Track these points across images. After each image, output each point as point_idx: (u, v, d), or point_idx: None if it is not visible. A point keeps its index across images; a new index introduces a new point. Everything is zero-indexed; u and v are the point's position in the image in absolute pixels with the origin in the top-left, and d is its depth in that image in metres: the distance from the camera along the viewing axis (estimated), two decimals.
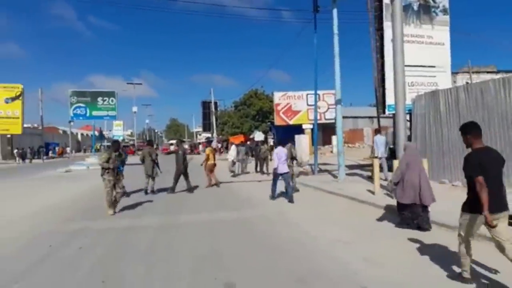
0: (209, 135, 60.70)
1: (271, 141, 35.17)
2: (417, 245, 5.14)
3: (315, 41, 14.72)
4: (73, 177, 18.09)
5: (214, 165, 12.73)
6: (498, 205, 3.48)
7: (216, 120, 51.81)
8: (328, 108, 30.74)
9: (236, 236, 6.00)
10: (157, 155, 11.90)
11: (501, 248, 3.52)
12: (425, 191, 5.91)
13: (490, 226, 3.37)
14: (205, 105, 60.11)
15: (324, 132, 32.19)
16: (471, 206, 3.57)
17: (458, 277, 3.81)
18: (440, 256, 4.58)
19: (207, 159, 12.61)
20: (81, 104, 23.48)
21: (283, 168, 9.27)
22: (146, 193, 11.00)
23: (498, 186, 3.56)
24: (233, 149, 17.44)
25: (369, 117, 38.53)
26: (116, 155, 8.14)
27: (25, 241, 5.98)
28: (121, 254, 5.17)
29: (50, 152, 46.40)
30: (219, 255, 4.98)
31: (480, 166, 3.47)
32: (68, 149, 51.99)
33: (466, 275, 3.74)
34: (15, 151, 36.51)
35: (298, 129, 28.47)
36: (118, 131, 75.82)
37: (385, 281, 3.92)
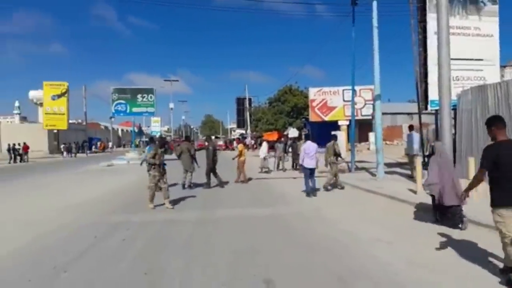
0: (243, 131, 61.08)
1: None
2: (457, 245, 4.90)
3: (352, 34, 14.35)
4: (114, 171, 18.85)
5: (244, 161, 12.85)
6: None
7: (250, 116, 52.04)
8: (365, 104, 29.83)
9: (272, 232, 5.98)
10: (195, 150, 12.21)
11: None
12: (449, 192, 5.85)
13: None
14: (240, 101, 60.48)
15: (360, 129, 31.43)
16: (501, 199, 3.51)
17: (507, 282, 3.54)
18: (480, 256, 4.36)
19: (240, 154, 12.76)
20: (121, 101, 24.40)
21: (311, 163, 9.38)
22: (184, 187, 11.26)
23: None
24: (264, 146, 17.45)
25: (408, 114, 37.17)
26: (162, 151, 8.26)
27: (72, 231, 6.30)
28: (161, 247, 5.31)
29: (93, 147, 48.64)
30: (256, 251, 4.98)
31: (497, 157, 3.50)
32: (110, 144, 54.35)
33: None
34: (62, 145, 38.60)
35: (334, 126, 27.91)
36: (155, 127, 78.18)
37: (426, 282, 3.76)
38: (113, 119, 57.16)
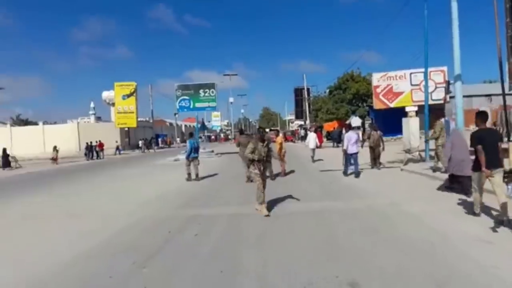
0: (301, 122, 60.27)
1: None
2: None
3: (425, 10, 13.10)
4: (180, 165, 19.51)
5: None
6: (494, 164, 5.30)
7: (309, 106, 51.05)
8: (436, 88, 27.65)
9: (350, 228, 5.57)
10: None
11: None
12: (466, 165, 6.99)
13: (489, 177, 5.28)
14: (297, 92, 59.56)
15: (431, 115, 29.12)
16: (475, 166, 5.54)
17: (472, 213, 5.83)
18: None
19: (280, 147, 12.50)
20: (185, 97, 25.16)
21: (353, 149, 11.18)
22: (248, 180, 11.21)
23: (494, 152, 5.33)
24: (310, 137, 17.45)
25: (486, 95, 33.74)
26: (263, 145, 7.06)
27: (147, 226, 6.44)
28: (235, 242, 5.18)
29: (160, 143, 51.28)
30: (335, 249, 4.64)
31: (479, 138, 5.34)
32: (178, 139, 57.00)
33: (477, 211, 5.77)
34: (140, 141, 41.54)
35: (400, 112, 26.20)
36: (216, 121, 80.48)
37: None
38: (177, 116, 59.74)
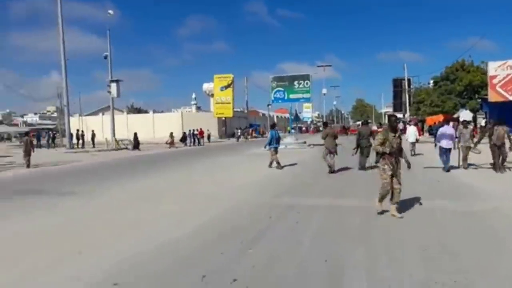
0: (400, 115, 56.48)
1: (482, 121, 29.64)
2: None
3: None
4: None
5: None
6: None
7: (409, 98, 47.42)
8: None
9: (468, 232, 5.06)
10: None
11: None
12: None
13: None
14: (397, 83, 55.79)
15: None
16: None
17: None
18: None
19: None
20: (280, 88, 25.59)
21: (448, 144, 11.05)
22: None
23: None
24: (410, 130, 16.72)
25: None
26: (394, 136, 5.88)
27: (249, 210, 6.75)
28: (336, 234, 5.12)
29: (254, 132, 53.06)
30: (449, 252, 4.27)
31: None
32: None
33: None
34: (238, 130, 43.43)
35: None
36: (307, 113, 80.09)
37: None
38: (270, 106, 61.01)
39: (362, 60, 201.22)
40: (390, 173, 5.83)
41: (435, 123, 33.27)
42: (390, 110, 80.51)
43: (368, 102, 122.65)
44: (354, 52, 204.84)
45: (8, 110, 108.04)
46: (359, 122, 60.59)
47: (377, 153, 6.13)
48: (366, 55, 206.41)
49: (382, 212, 5.98)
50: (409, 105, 46.59)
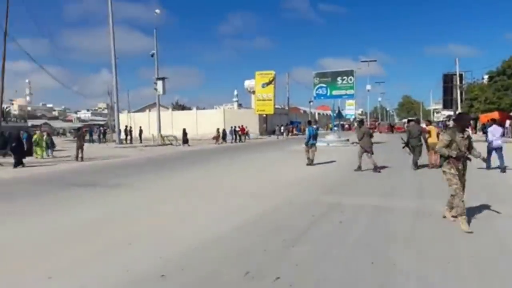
0: (451, 112, 53.44)
1: None
2: None
3: None
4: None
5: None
6: None
7: (461, 95, 44.69)
8: None
9: None
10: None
11: None
12: None
13: None
14: (447, 78, 52.80)
15: None
16: None
17: None
18: None
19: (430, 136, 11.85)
20: (322, 85, 25.09)
21: (497, 144, 10.92)
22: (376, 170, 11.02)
23: None
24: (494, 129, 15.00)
25: None
26: (463, 137, 5.29)
27: (292, 208, 6.70)
28: (381, 235, 4.93)
29: (294, 129, 52.71)
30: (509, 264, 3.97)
31: None
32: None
33: None
34: (277, 127, 43.60)
35: None
36: (350, 110, 78.06)
37: None
38: (311, 103, 60.31)
39: (409, 55, 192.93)
40: (458, 178, 5.18)
41: (487, 121, 31.13)
42: (439, 107, 76.59)
43: (416, 99, 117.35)
44: (400, 46, 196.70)
45: (63, 107, 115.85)
46: (405, 120, 58.02)
47: (441, 156, 5.45)
48: (413, 49, 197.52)
49: (470, 231, 4.97)
50: (461, 101, 43.91)
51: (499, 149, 10.82)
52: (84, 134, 19.22)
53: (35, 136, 18.87)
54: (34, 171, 13.43)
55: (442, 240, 4.72)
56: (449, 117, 52.17)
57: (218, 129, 31.90)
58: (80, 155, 16.62)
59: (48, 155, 18.94)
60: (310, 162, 12.96)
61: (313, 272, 3.77)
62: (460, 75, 46.43)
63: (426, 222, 5.57)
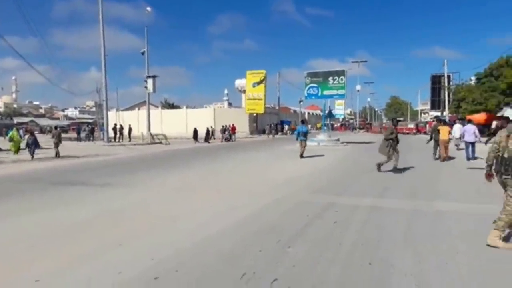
0: (438, 113, 54.21)
1: None
2: None
3: None
4: (307, 151, 19.68)
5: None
6: None
7: (449, 96, 45.35)
8: None
9: None
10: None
11: None
12: None
13: None
14: (435, 79, 53.72)
15: None
16: None
17: None
18: None
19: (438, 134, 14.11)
20: (314, 84, 25.06)
21: (470, 138, 13.62)
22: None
23: None
24: (456, 128, 17.49)
25: None
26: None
27: (286, 208, 6.60)
28: (377, 235, 4.88)
29: (285, 129, 52.78)
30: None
31: None
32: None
33: None
34: (266, 127, 43.78)
35: None
36: (339, 110, 78.55)
37: None
38: (301, 103, 60.45)
39: (396, 57, 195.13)
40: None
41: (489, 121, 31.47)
42: (426, 107, 77.58)
43: (404, 99, 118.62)
44: (387, 49, 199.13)
45: (50, 104, 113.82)
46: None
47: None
48: (400, 52, 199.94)
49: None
50: (449, 102, 44.54)
51: (471, 144, 13.60)
52: (60, 132, 19.12)
53: (10, 133, 19.11)
54: (9, 170, 13.05)
55: (435, 238, 4.69)
56: (436, 117, 52.88)
57: (208, 128, 32.99)
58: (57, 152, 17.26)
59: (32, 156, 17.82)
60: (300, 155, 15.01)
61: (311, 273, 3.69)
62: (448, 77, 47.11)
63: (422, 221, 5.55)
